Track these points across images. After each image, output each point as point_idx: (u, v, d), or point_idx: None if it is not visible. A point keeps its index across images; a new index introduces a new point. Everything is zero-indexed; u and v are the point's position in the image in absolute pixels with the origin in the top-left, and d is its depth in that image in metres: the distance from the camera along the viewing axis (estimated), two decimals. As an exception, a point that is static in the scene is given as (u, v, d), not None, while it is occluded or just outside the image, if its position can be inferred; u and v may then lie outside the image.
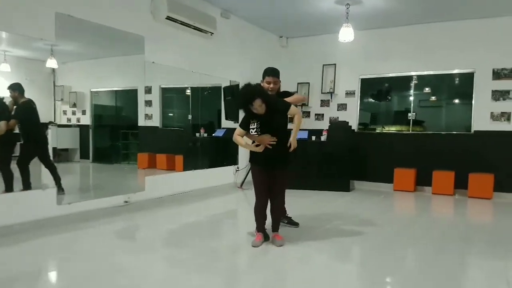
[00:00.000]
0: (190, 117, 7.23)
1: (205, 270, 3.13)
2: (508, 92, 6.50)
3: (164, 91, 6.82)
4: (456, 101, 7.59)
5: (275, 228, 3.84)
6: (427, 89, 7.52)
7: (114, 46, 5.56)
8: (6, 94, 4.45)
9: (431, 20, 6.90)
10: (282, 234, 3.82)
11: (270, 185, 3.71)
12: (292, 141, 3.66)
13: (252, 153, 3.71)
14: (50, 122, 4.98)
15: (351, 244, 3.99)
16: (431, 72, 7.22)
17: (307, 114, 8.11)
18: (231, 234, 4.40)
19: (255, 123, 3.58)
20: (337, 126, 7.38)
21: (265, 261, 3.41)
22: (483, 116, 6.69)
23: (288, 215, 4.44)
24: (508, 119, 6.50)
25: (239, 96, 3.57)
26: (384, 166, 7.41)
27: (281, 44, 8.30)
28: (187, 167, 6.57)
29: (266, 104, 3.49)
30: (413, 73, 7.35)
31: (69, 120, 5.68)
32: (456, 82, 7.32)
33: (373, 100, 8.13)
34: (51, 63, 4.77)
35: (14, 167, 4.51)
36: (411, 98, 7.45)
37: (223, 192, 6.66)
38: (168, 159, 6.76)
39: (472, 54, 6.73)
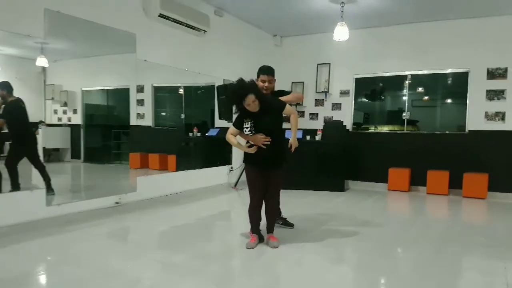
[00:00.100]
0: (183, 116, 7.17)
1: (198, 273, 3.05)
2: (502, 91, 6.50)
3: (157, 90, 6.76)
4: (451, 100, 7.60)
5: (270, 229, 3.78)
6: (421, 88, 7.51)
7: (106, 44, 5.48)
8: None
9: (426, 20, 6.88)
10: (277, 236, 3.76)
11: (265, 186, 3.64)
12: (293, 141, 3.62)
13: (246, 153, 3.63)
14: (40, 122, 4.89)
15: (347, 246, 3.94)
16: (426, 72, 7.21)
17: (301, 114, 8.06)
18: (225, 236, 4.33)
19: (249, 122, 3.51)
20: (332, 126, 7.34)
21: (260, 264, 3.35)
22: (477, 115, 6.69)
23: (283, 216, 4.38)
24: (503, 119, 6.50)
25: (232, 92, 3.50)
26: (378, 166, 7.38)
27: (275, 43, 8.24)
28: (180, 167, 6.50)
29: (259, 102, 3.42)
30: (407, 73, 7.33)
31: (60, 119, 5.62)
32: (451, 81, 7.32)
33: (367, 100, 8.10)
34: (41, 61, 4.70)
35: (2, 167, 4.41)
36: (405, 98, 7.43)
37: (217, 192, 6.58)
38: (161, 159, 6.70)
39: (466, 54, 6.73)
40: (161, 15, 5.33)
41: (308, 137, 7.40)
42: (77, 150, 5.87)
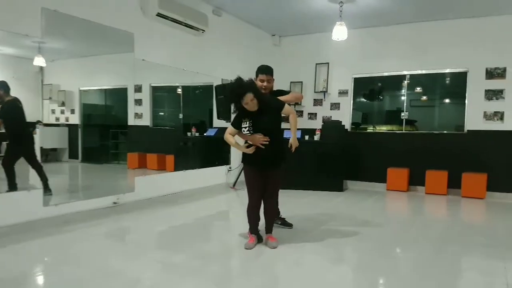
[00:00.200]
0: (181, 116, 7.15)
1: (198, 273, 3.03)
2: (501, 91, 6.49)
3: (155, 89, 6.73)
4: (449, 100, 7.59)
5: (268, 229, 3.76)
6: (420, 88, 7.50)
7: (104, 44, 5.46)
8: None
9: (424, 19, 6.87)
10: (275, 236, 3.74)
11: (264, 186, 3.62)
12: (293, 141, 3.61)
13: (245, 153, 3.61)
14: (38, 122, 4.87)
15: (347, 246, 3.92)
16: (424, 71, 7.19)
17: (300, 114, 8.03)
18: (223, 236, 4.31)
19: (247, 122, 3.49)
20: (330, 126, 7.33)
21: (259, 264, 3.33)
22: (476, 115, 6.69)
23: (282, 216, 4.36)
24: (501, 119, 6.50)
25: (230, 90, 3.47)
26: (377, 165, 7.37)
27: (273, 42, 8.21)
28: (178, 167, 6.48)
29: (258, 101, 3.40)
30: (406, 72, 7.32)
31: (57, 119, 5.60)
32: (449, 81, 7.31)
33: (366, 100, 8.09)
34: (39, 61, 4.68)
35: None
36: (404, 98, 7.42)
37: (215, 192, 6.56)
38: (159, 159, 6.67)
39: (465, 54, 6.72)
40: (159, 15, 5.30)
41: (306, 137, 7.38)
42: (75, 150, 5.84)
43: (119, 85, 6.28)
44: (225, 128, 3.67)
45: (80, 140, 5.85)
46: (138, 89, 6.30)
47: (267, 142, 3.45)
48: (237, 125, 3.55)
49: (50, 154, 5.56)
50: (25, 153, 4.58)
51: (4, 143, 4.65)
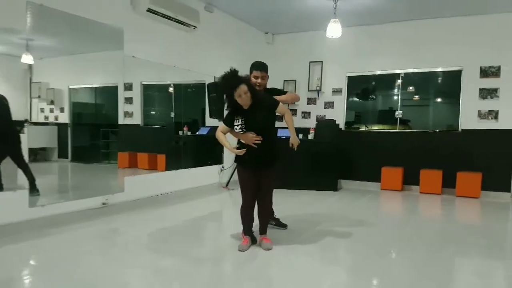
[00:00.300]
0: (173, 115, 7.04)
1: (188, 278, 2.92)
2: (495, 90, 6.47)
3: (146, 88, 6.62)
4: (444, 99, 7.55)
5: (262, 230, 3.66)
6: (413, 87, 7.45)
7: (93, 40, 5.35)
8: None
9: (419, 17, 6.84)
10: (270, 237, 3.65)
11: (257, 186, 3.52)
12: (293, 140, 3.56)
13: (238, 152, 3.51)
14: (26, 121, 4.74)
15: (341, 247, 3.85)
16: (419, 70, 7.16)
17: (294, 112, 7.95)
18: (216, 238, 4.21)
19: (240, 120, 3.39)
20: (324, 125, 7.26)
21: (253, 266, 3.23)
22: (470, 114, 6.66)
23: (276, 217, 4.28)
24: (496, 117, 6.48)
25: (224, 80, 3.35)
26: (371, 165, 7.32)
27: (266, 40, 8.12)
28: (169, 166, 6.37)
29: (252, 97, 3.30)
30: (400, 71, 7.27)
31: (46, 118, 5.49)
32: (444, 80, 7.27)
33: (360, 98, 8.03)
34: (27, 58, 4.55)
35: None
36: (398, 96, 7.38)
37: (208, 192, 6.45)
38: (150, 158, 6.55)
39: (459, 52, 6.69)
40: (149, 10, 5.18)
41: (300, 136, 7.28)
42: (65, 149, 5.73)
43: (109, 83, 6.17)
44: (218, 127, 3.56)
45: (70, 139, 5.74)
46: (128, 87, 6.19)
47: (260, 142, 3.35)
48: (229, 122, 3.44)
49: (39, 154, 5.44)
50: (12, 152, 4.45)
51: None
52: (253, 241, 3.63)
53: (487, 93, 6.52)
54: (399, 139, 7.25)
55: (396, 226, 4.73)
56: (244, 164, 3.51)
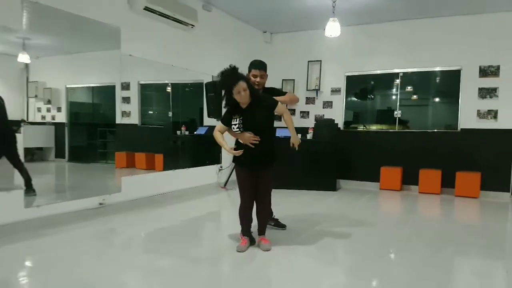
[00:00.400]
0: (170, 114, 7.00)
1: (186, 278, 2.88)
2: (495, 89, 6.44)
3: (143, 87, 6.58)
4: (443, 98, 7.52)
5: (261, 231, 3.62)
6: (412, 86, 7.42)
7: (90, 39, 5.32)
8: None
9: (417, 17, 6.81)
10: (269, 238, 3.61)
11: (255, 186, 3.48)
12: (294, 139, 3.53)
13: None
14: (23, 120, 4.71)
15: (341, 247, 3.82)
16: (418, 69, 7.14)
17: (292, 112, 7.91)
18: (214, 238, 4.16)
19: (237, 119, 3.35)
20: (323, 124, 7.23)
21: (251, 267, 3.19)
22: (469, 114, 6.64)
23: (275, 217, 4.24)
24: (495, 117, 6.45)
25: (224, 75, 3.31)
26: (370, 164, 7.29)
27: (265, 39, 8.08)
28: (167, 166, 6.33)
29: (251, 95, 3.26)
30: (399, 70, 7.24)
31: (43, 117, 5.45)
32: (443, 79, 7.24)
33: (358, 98, 7.99)
34: (23, 57, 4.51)
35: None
36: (397, 96, 7.34)
37: (206, 192, 6.40)
38: (148, 158, 6.51)
39: (458, 51, 6.66)
40: (146, 8, 5.13)
41: (299, 136, 7.24)
42: (62, 149, 5.69)
43: (107, 83, 6.14)
44: (216, 126, 3.52)
45: (67, 139, 5.71)
46: (126, 86, 6.15)
47: (257, 142, 3.31)
48: (227, 121, 3.40)
49: (36, 153, 5.40)
50: (7, 152, 4.40)
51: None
52: (252, 242, 3.59)
53: (486, 93, 6.50)
54: (398, 139, 7.22)
55: (395, 226, 4.70)
56: (242, 164, 3.46)
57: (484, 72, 6.51)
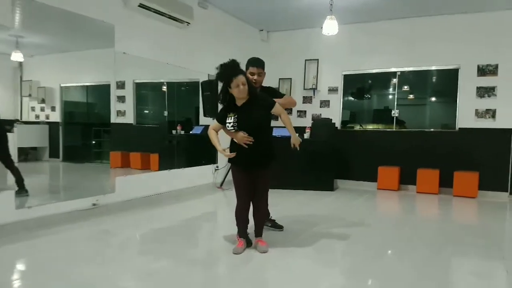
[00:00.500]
0: (166, 113, 6.93)
1: (181, 281, 2.81)
2: (493, 88, 6.41)
3: (139, 86, 6.51)
4: (441, 97, 7.48)
5: (258, 233, 3.55)
6: (410, 86, 7.38)
7: (84, 38, 5.27)
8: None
9: (415, 15, 6.76)
10: (266, 239, 3.54)
11: (252, 186, 3.41)
12: (294, 139, 3.49)
13: (231, 152, 3.38)
14: (16, 120, 4.63)
15: (339, 248, 3.75)
16: (415, 68, 7.10)
17: (289, 111, 7.84)
18: (210, 240, 4.09)
19: (232, 117, 3.27)
20: (320, 124, 7.18)
21: (248, 269, 3.12)
22: (468, 113, 6.60)
23: (272, 218, 4.17)
24: (493, 116, 6.42)
25: (224, 67, 3.25)
26: (368, 164, 7.24)
27: (261, 38, 8.01)
28: (162, 166, 6.27)
29: (248, 92, 3.19)
30: (397, 69, 7.20)
31: (37, 116, 5.39)
32: (441, 78, 7.21)
33: (355, 97, 7.94)
34: (17, 56, 4.45)
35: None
36: (395, 95, 7.30)
37: (202, 193, 6.33)
38: (143, 158, 6.44)
39: (456, 50, 6.63)
40: (141, 5, 5.06)
41: (296, 135, 7.20)
42: (56, 148, 5.62)
43: (102, 82, 6.08)
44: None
45: (61, 139, 5.64)
46: (121, 85, 6.09)
47: (251, 143, 3.23)
48: (221, 119, 3.33)
49: (30, 153, 5.33)
50: (-1, 152, 4.32)
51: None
52: (248, 243, 3.51)
53: (485, 92, 6.46)
54: (395, 138, 7.18)
55: (393, 226, 4.66)
56: (238, 164, 3.40)
57: (482, 71, 6.48)
